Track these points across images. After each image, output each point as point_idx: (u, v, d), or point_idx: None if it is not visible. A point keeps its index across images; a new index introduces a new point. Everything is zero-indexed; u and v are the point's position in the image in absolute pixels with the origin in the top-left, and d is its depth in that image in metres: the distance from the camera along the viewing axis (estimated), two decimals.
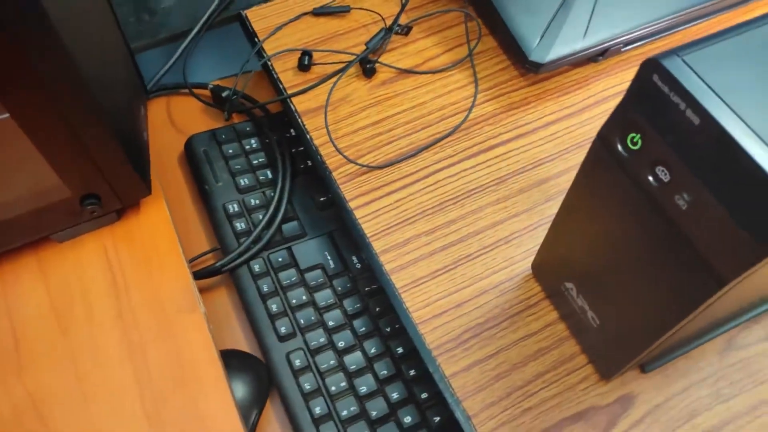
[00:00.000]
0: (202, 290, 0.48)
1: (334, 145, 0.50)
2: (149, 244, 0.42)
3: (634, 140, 0.28)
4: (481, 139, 0.51)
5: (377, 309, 0.47)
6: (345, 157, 0.50)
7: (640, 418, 0.39)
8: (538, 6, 0.52)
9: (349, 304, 0.47)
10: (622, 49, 0.54)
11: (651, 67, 0.26)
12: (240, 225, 0.50)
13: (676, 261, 0.28)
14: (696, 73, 0.25)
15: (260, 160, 0.54)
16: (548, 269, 0.42)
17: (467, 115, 0.52)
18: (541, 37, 0.51)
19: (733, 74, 0.25)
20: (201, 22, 0.58)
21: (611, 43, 0.52)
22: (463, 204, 0.48)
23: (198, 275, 0.47)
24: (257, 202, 0.52)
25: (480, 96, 0.53)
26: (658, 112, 0.26)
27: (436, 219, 0.47)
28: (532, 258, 0.45)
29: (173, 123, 0.57)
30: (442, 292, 0.44)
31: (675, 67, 0.25)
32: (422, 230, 0.47)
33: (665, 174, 0.27)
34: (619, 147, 0.29)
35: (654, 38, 0.55)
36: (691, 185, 0.26)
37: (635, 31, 0.52)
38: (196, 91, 0.58)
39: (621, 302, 0.34)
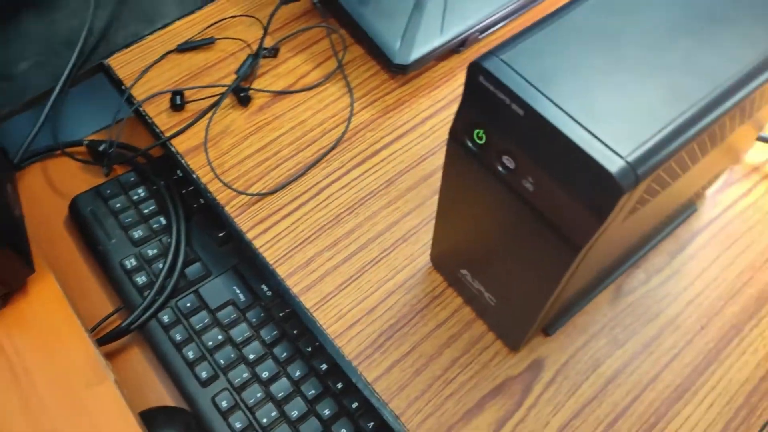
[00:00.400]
0: (113, 353, 0.47)
1: (221, 180, 0.50)
2: (44, 323, 0.40)
3: (479, 135, 0.31)
4: (364, 147, 0.53)
5: (294, 332, 0.47)
6: (234, 189, 0.50)
7: (551, 379, 0.42)
8: (393, 10, 0.54)
9: (266, 333, 0.48)
10: (480, 37, 0.57)
11: (475, 70, 0.28)
12: (141, 279, 0.49)
13: (539, 237, 0.30)
14: (514, 69, 0.27)
15: (151, 208, 0.53)
16: (443, 260, 0.44)
17: (347, 126, 0.54)
18: (402, 39, 0.53)
19: (547, 65, 0.28)
20: (62, 79, 0.56)
21: (468, 33, 0.55)
22: (358, 212, 0.49)
23: (104, 340, 0.46)
24: (155, 251, 0.51)
25: (356, 104, 0.55)
26: (491, 109, 0.29)
27: (334, 232, 0.48)
28: (429, 250, 0.47)
29: (53, 188, 0.55)
30: (351, 303, 0.45)
31: (495, 67, 0.27)
32: (323, 246, 0.48)
33: (510, 162, 0.30)
34: (469, 143, 0.31)
35: (507, 21, 0.58)
36: (532, 169, 0.28)
37: (487, 19, 0.55)
38: (70, 150, 0.56)
39: (507, 280, 0.37)
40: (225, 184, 0.50)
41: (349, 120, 0.54)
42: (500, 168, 0.30)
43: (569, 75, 0.27)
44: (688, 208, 0.47)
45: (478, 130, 0.31)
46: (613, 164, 0.25)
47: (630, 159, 0.25)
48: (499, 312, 0.40)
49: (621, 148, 0.25)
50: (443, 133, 0.53)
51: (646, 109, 0.26)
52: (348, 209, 0.49)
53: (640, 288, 0.45)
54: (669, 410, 0.40)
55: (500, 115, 0.28)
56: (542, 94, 0.27)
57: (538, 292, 0.34)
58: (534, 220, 0.30)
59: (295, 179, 0.51)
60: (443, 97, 0.55)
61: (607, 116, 0.26)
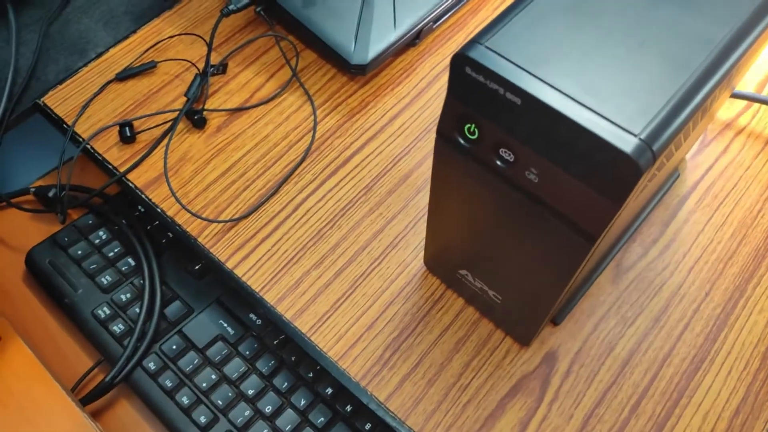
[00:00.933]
0: (100, 411, 0.44)
1: (189, 211, 0.47)
2: (20, 394, 0.37)
3: (471, 130, 0.29)
4: (335, 155, 0.50)
5: (292, 358, 0.44)
6: (204, 218, 0.47)
7: (567, 369, 0.40)
8: (342, 10, 0.52)
9: (262, 364, 0.45)
10: (434, 27, 0.55)
11: (460, 61, 0.26)
12: (118, 327, 0.46)
13: (548, 229, 0.29)
14: (502, 55, 0.25)
15: (116, 250, 0.49)
16: (439, 262, 0.42)
17: (313, 136, 0.51)
18: (356, 39, 0.51)
19: (534, 47, 0.26)
20: None
21: (421, 24, 0.53)
22: (340, 225, 0.47)
23: (88, 399, 0.42)
24: (128, 295, 0.47)
25: (319, 112, 0.52)
26: (482, 101, 0.27)
27: (319, 249, 0.46)
28: (422, 254, 0.45)
29: (5, 243, 0.50)
30: (349, 320, 0.43)
31: (481, 55, 0.25)
32: (310, 265, 0.45)
33: (509, 155, 0.28)
34: (460, 139, 0.29)
35: (458, 6, 0.57)
36: (535, 160, 0.27)
37: (439, 7, 0.53)
38: (17, 200, 0.52)
39: (514, 277, 0.35)
40: (194, 215, 0.47)
41: (314, 129, 0.51)
42: (498, 162, 0.29)
43: (560, 55, 0.26)
44: (672, 175, 0.47)
45: (469, 125, 0.29)
46: (628, 144, 0.23)
47: (643, 136, 0.23)
48: (506, 308, 0.39)
49: (632, 125, 0.24)
50: (414, 130, 0.51)
51: (648, 82, 0.25)
52: (329, 223, 0.47)
53: (639, 262, 0.44)
54: (689, 383, 0.40)
55: (493, 106, 0.26)
56: (537, 78, 0.25)
57: (550, 287, 0.33)
58: (542, 214, 0.28)
59: (267, 199, 0.48)
60: (407, 93, 0.53)
61: (610, 94, 0.24)
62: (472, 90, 0.27)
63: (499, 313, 0.40)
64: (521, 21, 0.27)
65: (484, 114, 0.27)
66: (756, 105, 0.50)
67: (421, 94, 0.53)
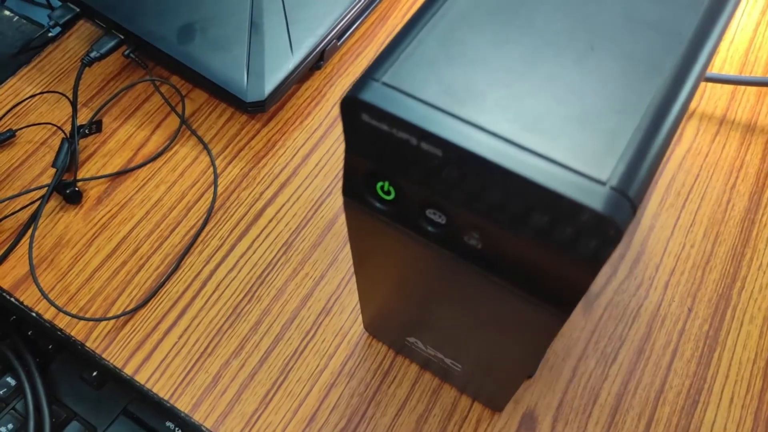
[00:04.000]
0: None
1: (67, 313, 0.38)
2: None
3: (385, 189, 0.22)
4: (243, 210, 0.42)
5: None
6: (88, 319, 0.38)
7: (551, 431, 0.34)
8: (227, 41, 0.44)
9: None
10: (339, 44, 0.48)
11: (352, 106, 0.19)
12: None
13: (506, 300, 0.22)
14: (407, 93, 0.18)
15: None
16: (381, 328, 0.35)
17: (215, 191, 0.43)
18: (247, 73, 0.43)
19: (449, 74, 0.19)
20: None
21: (323, 43, 0.45)
22: (260, 296, 0.39)
23: None
24: (11, 426, 0.38)
25: (219, 161, 0.44)
26: (392, 155, 0.20)
27: (237, 331, 0.38)
28: (361, 317, 0.37)
29: None
30: (285, 416, 0.35)
31: (379, 96, 0.18)
32: (228, 354, 0.37)
33: (440, 216, 0.21)
34: (373, 201, 0.22)
35: (363, 18, 0.50)
36: (473, 222, 0.20)
37: (340, 22, 0.46)
38: None
39: (472, 349, 0.28)
40: (74, 316, 0.38)
41: (215, 183, 0.43)
42: (427, 226, 0.22)
43: (487, 81, 0.19)
44: None
45: (381, 183, 0.22)
46: (596, 197, 0.17)
47: (615, 183, 0.17)
48: (470, 376, 0.32)
49: (597, 169, 0.17)
50: (334, 166, 0.44)
51: (608, 101, 0.18)
52: (246, 295, 0.39)
53: (609, 284, 0.38)
54: (690, 422, 0.34)
55: (406, 160, 0.19)
56: (459, 118, 0.18)
57: (518, 360, 0.26)
58: (493, 283, 0.22)
59: (167, 278, 0.40)
60: (319, 124, 0.46)
61: (561, 127, 0.18)
62: (375, 141, 0.20)
63: (462, 379, 0.33)
64: (429, 40, 0.20)
65: (397, 171, 0.20)
66: (702, 83, 0.45)
67: (335, 123, 0.46)
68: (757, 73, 0.46)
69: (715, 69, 0.46)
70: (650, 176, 0.18)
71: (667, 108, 0.18)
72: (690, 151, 0.43)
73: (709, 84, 0.45)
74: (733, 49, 0.47)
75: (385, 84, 0.19)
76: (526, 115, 0.18)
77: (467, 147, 0.17)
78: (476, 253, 0.21)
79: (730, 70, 0.46)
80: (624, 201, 0.17)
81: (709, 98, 0.45)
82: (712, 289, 0.38)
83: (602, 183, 0.17)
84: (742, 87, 0.45)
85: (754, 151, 0.42)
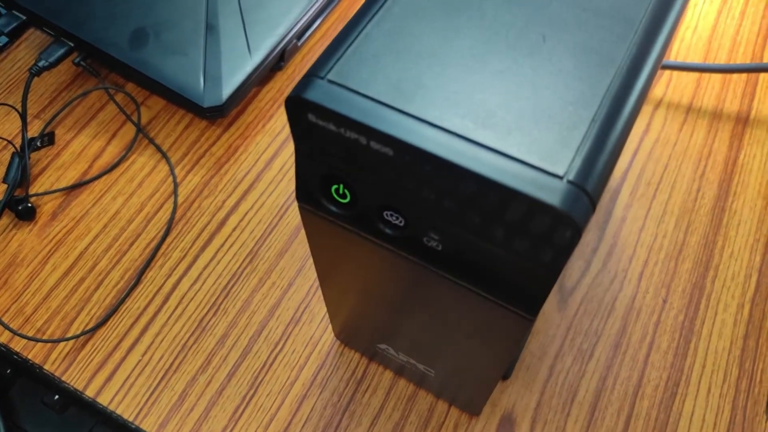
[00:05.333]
0: None
1: (22, 335, 0.37)
2: None
3: (340, 192, 0.21)
4: (206, 220, 0.41)
5: None
6: (44, 341, 0.36)
7: None
8: (181, 44, 0.42)
9: None
10: (299, 44, 0.47)
11: (297, 106, 0.18)
12: None
13: (470, 303, 0.21)
14: (353, 90, 0.17)
15: None
16: (352, 335, 0.34)
17: (175, 201, 0.41)
18: (204, 77, 0.41)
19: (397, 69, 0.18)
20: None
21: (283, 43, 0.44)
22: (225, 308, 0.38)
23: None
24: None
25: (178, 170, 0.43)
26: (342, 155, 0.19)
27: (203, 345, 0.36)
28: (331, 326, 0.36)
29: None
30: (257, 431, 0.34)
31: (324, 94, 0.17)
32: (194, 370, 0.36)
33: (397, 218, 0.20)
34: (328, 205, 0.21)
35: (324, 15, 0.49)
36: (431, 223, 0.19)
37: (300, 20, 0.45)
38: None
39: (442, 353, 0.27)
40: (30, 339, 0.36)
41: (175, 193, 0.42)
42: (385, 229, 0.21)
43: (437, 76, 0.18)
44: None
45: (335, 186, 0.21)
46: (553, 193, 0.16)
47: (572, 177, 0.16)
48: (444, 381, 0.31)
49: (553, 163, 0.16)
50: None
51: (563, 93, 0.18)
52: (211, 308, 0.38)
53: (583, 279, 0.37)
54: (669, 415, 0.33)
55: (358, 159, 0.18)
56: (408, 115, 0.17)
57: (489, 363, 0.25)
58: (456, 286, 0.21)
59: (128, 294, 0.38)
60: (282, 127, 0.45)
61: (514, 121, 0.17)
62: (325, 142, 0.19)
63: (436, 384, 0.33)
64: (376, 33, 0.19)
65: (350, 172, 0.19)
66: (667, 72, 0.45)
67: None
68: (721, 60, 0.46)
69: (679, 57, 0.46)
70: (609, 169, 0.17)
71: (623, 98, 0.17)
72: (658, 141, 0.42)
73: (675, 72, 0.45)
74: (696, 36, 0.47)
75: (330, 81, 0.18)
76: (478, 109, 0.17)
77: (418, 144, 0.16)
78: (437, 255, 0.20)
79: (695, 58, 0.46)
80: (582, 195, 0.16)
81: (675, 87, 0.45)
82: (685, 279, 0.37)
83: (559, 177, 0.16)
84: (707, 74, 0.45)
85: (721, 138, 0.42)
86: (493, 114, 0.17)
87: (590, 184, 0.16)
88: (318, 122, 0.18)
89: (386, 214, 0.20)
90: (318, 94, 0.18)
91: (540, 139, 0.16)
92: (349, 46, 0.18)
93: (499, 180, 0.16)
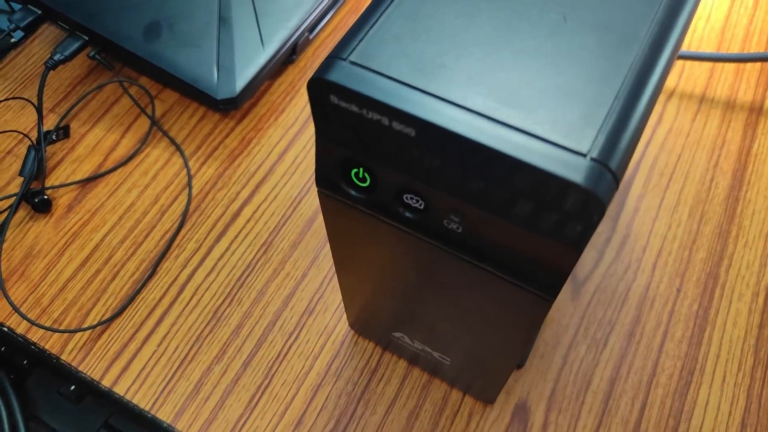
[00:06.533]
0: None
1: (39, 325, 0.37)
2: None
3: (360, 176, 0.21)
4: (220, 212, 0.41)
5: None
6: (62, 331, 0.36)
7: (544, 421, 0.33)
8: (195, 37, 0.43)
9: None
10: (311, 36, 0.47)
11: (319, 88, 0.18)
12: None
13: (490, 286, 0.21)
14: (375, 70, 0.18)
15: None
16: (366, 324, 0.34)
17: (190, 193, 0.42)
18: (218, 69, 0.42)
19: (418, 50, 0.18)
20: None
21: (295, 36, 0.44)
22: (240, 298, 0.38)
23: None
24: None
25: (192, 162, 0.43)
26: (364, 137, 0.19)
27: (218, 336, 0.37)
28: (345, 316, 0.36)
29: None
30: (272, 421, 0.34)
31: (346, 76, 0.17)
32: (209, 359, 0.36)
33: (417, 201, 0.20)
34: (348, 189, 0.21)
35: (335, 8, 0.49)
36: (452, 205, 0.19)
37: (312, 13, 0.45)
38: None
39: (458, 339, 0.27)
40: (48, 329, 0.37)
41: (189, 185, 0.42)
42: (405, 212, 0.21)
43: (458, 55, 0.18)
44: None
45: (355, 170, 0.21)
46: (577, 170, 0.16)
47: (596, 154, 0.16)
48: (457, 369, 0.31)
49: (577, 141, 0.16)
50: (311, 162, 0.43)
51: (585, 73, 0.18)
52: (226, 299, 0.38)
53: (596, 269, 0.37)
54: (684, 403, 0.33)
55: (380, 142, 0.18)
56: (431, 94, 0.17)
57: (506, 348, 0.25)
58: (476, 269, 0.21)
59: (143, 285, 0.38)
60: (294, 120, 0.45)
61: (537, 100, 0.17)
62: (346, 125, 0.19)
63: (451, 372, 0.33)
64: (396, 15, 0.19)
65: (371, 155, 0.19)
66: (680, 62, 0.45)
67: (311, 118, 0.45)
68: (734, 49, 0.45)
69: (692, 47, 0.46)
70: (632, 147, 0.17)
71: (645, 76, 0.18)
72: (671, 131, 0.42)
73: (688, 62, 0.45)
74: (709, 27, 0.47)
75: (352, 63, 0.18)
76: (501, 88, 0.17)
77: (440, 124, 0.17)
78: (457, 237, 0.20)
79: (708, 48, 0.46)
80: (605, 172, 0.16)
81: (688, 77, 0.45)
82: (700, 269, 0.37)
83: (583, 155, 0.16)
84: (721, 64, 0.45)
85: (734, 128, 0.42)
86: (515, 93, 0.17)
87: (614, 162, 0.16)
88: (340, 104, 0.18)
89: (406, 197, 0.20)
90: (340, 75, 0.18)
91: (563, 117, 0.17)
92: (370, 28, 0.19)
93: (523, 158, 0.16)
